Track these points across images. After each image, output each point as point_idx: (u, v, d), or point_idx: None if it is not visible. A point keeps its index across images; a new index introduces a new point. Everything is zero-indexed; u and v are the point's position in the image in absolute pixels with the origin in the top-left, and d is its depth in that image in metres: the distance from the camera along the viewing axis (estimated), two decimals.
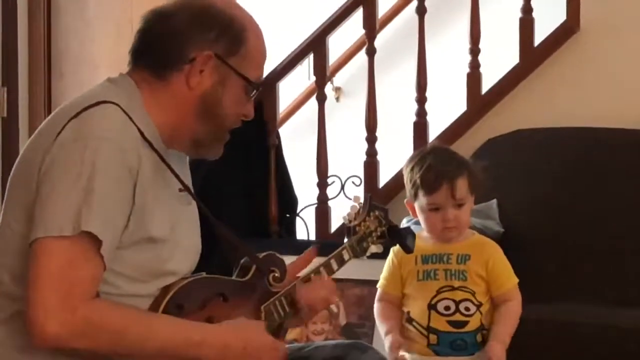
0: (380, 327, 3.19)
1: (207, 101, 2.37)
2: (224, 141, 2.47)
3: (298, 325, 2.70)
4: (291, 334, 4.19)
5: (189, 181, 2.50)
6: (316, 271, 2.58)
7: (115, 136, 2.22)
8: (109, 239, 2.18)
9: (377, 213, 2.74)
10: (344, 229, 4.71)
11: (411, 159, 3.23)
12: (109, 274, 2.23)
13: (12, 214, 2.29)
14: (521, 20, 4.70)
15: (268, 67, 4.77)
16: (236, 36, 2.37)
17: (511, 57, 4.71)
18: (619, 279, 4.09)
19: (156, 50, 2.37)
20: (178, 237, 2.37)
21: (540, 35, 4.68)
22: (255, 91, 2.43)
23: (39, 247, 2.16)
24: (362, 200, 2.76)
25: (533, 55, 4.68)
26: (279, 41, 5.17)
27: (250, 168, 4.78)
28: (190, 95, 2.36)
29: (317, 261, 2.65)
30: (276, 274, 2.51)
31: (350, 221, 2.73)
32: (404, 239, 2.79)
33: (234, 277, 2.50)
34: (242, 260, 2.51)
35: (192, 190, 2.47)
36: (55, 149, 2.22)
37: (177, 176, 2.35)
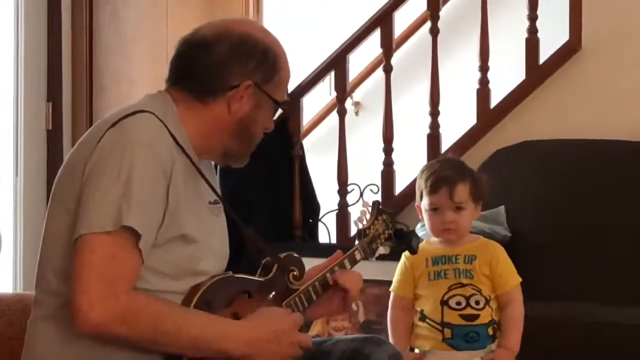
0: (392, 339, 3.19)
1: (243, 123, 2.42)
2: (250, 152, 2.50)
3: (328, 314, 2.70)
4: (314, 330, 4.19)
5: (218, 190, 2.50)
6: (331, 270, 2.59)
7: (150, 141, 2.25)
8: (146, 234, 2.20)
9: (384, 217, 2.76)
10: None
11: (424, 167, 3.27)
12: (145, 271, 2.25)
13: (57, 216, 2.31)
14: (527, 40, 4.69)
15: (293, 84, 4.81)
16: (272, 65, 2.42)
17: (518, 74, 4.70)
18: (618, 280, 4.06)
19: (200, 79, 2.39)
20: (209, 241, 2.39)
21: (545, 53, 4.67)
22: (281, 110, 2.49)
23: (82, 243, 2.18)
24: (370, 205, 2.76)
25: (538, 72, 4.67)
26: (303, 59, 5.19)
27: (277, 177, 4.79)
28: (229, 118, 2.40)
29: None
30: (295, 273, 2.53)
31: (360, 224, 2.74)
32: (409, 241, 2.81)
33: (257, 276, 2.50)
34: (264, 260, 2.52)
35: (219, 201, 2.48)
36: (96, 154, 2.24)
37: (207, 182, 2.37)
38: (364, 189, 4.69)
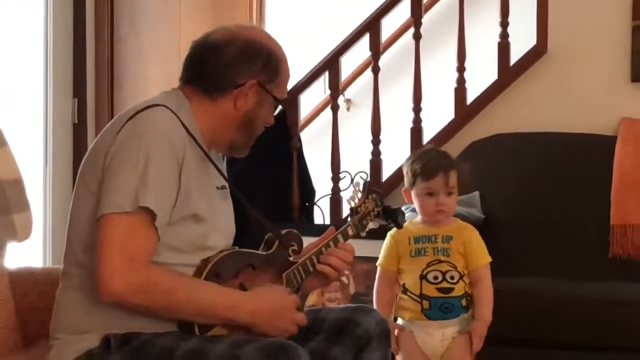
0: (376, 307, 3.22)
1: (248, 117, 2.43)
2: (251, 144, 2.52)
3: (323, 286, 2.69)
4: (309, 301, 4.21)
5: (224, 178, 2.52)
6: (326, 245, 2.59)
7: (165, 131, 2.27)
8: (162, 214, 2.22)
9: (374, 196, 2.75)
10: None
11: (412, 156, 3.28)
12: (161, 247, 2.26)
13: (82, 198, 2.33)
14: (499, 44, 4.70)
15: (291, 83, 4.82)
16: (275, 67, 2.44)
17: (491, 75, 4.71)
18: (581, 256, 4.08)
19: (210, 78, 2.41)
20: (217, 220, 2.40)
21: (515, 56, 4.68)
22: (280, 107, 2.52)
23: (104, 221, 2.21)
24: (361, 185, 2.76)
25: (509, 73, 4.68)
26: (300, 61, 5.20)
27: (277, 166, 4.79)
28: (235, 113, 2.42)
29: None
30: (295, 247, 2.54)
31: (352, 202, 2.73)
32: (396, 217, 2.78)
33: (260, 251, 2.52)
34: (267, 236, 2.53)
35: (229, 184, 2.51)
36: (116, 144, 2.26)
37: (217, 167, 2.40)
38: (354, 176, 4.69)
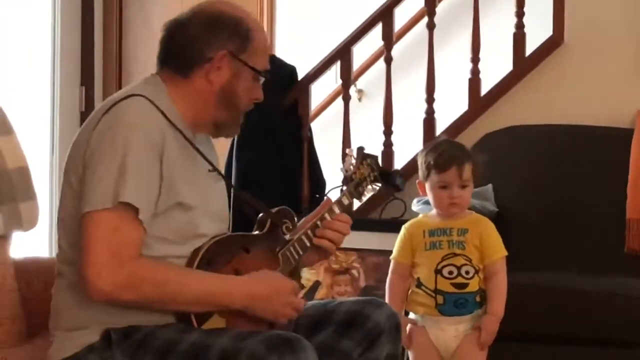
0: (387, 302, 3.20)
1: (225, 92, 2.37)
2: (239, 122, 2.45)
3: (322, 259, 2.65)
4: (319, 294, 4.19)
5: (215, 161, 2.48)
6: (322, 217, 2.55)
7: (140, 121, 2.24)
8: (144, 206, 2.20)
9: (368, 161, 2.68)
10: (363, 207, 4.75)
11: (426, 147, 3.25)
12: (151, 240, 2.24)
13: (66, 195, 2.32)
14: (515, 34, 4.67)
15: (302, 72, 4.81)
16: (245, 35, 2.37)
17: (506, 65, 4.68)
18: (596, 250, 4.06)
19: (179, 55, 2.37)
20: (207, 205, 2.36)
21: (530, 46, 4.65)
22: (263, 78, 2.42)
23: (87, 219, 2.19)
24: (355, 152, 2.69)
25: (524, 64, 4.65)
26: (312, 50, 5.19)
27: (287, 156, 4.78)
28: (210, 89, 2.36)
29: None
30: (288, 225, 2.49)
31: (347, 171, 2.66)
32: (394, 179, 2.73)
33: (253, 232, 2.47)
34: (259, 217, 2.49)
35: (219, 169, 2.46)
36: (94, 138, 2.25)
37: (200, 152, 2.35)
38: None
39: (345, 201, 2.62)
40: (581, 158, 4.28)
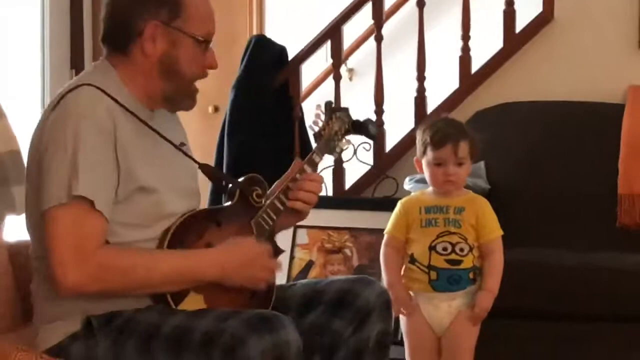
0: (385, 274, 3.21)
1: (164, 63, 2.32)
2: (192, 94, 2.39)
3: (298, 220, 2.61)
4: (312, 273, 4.21)
5: (182, 136, 2.46)
6: (293, 179, 2.52)
7: (89, 111, 2.21)
8: (101, 196, 2.18)
9: (338, 115, 2.63)
10: (357, 186, 4.76)
11: (424, 124, 3.25)
12: (118, 227, 2.23)
13: (29, 192, 2.32)
14: (505, 11, 4.68)
15: (293, 52, 4.81)
16: (174, 2, 2.31)
17: (496, 42, 4.69)
18: (588, 226, 4.08)
19: (113, 33, 2.34)
20: (172, 183, 2.34)
21: (520, 23, 4.66)
22: (208, 44, 2.36)
23: (47, 217, 2.19)
24: (323, 107, 2.64)
25: (515, 41, 4.66)
26: (302, 30, 5.19)
27: (278, 136, 4.79)
28: (148, 61, 2.32)
29: None
30: (258, 192, 2.45)
31: (316, 127, 2.63)
32: (366, 127, 2.67)
33: (223, 205, 2.45)
34: (228, 189, 2.45)
35: (186, 143, 2.44)
36: (45, 134, 2.24)
37: (156, 131, 2.31)
38: (357, 147, 4.68)
39: (317, 159, 2.59)
40: (572, 134, 4.29)
